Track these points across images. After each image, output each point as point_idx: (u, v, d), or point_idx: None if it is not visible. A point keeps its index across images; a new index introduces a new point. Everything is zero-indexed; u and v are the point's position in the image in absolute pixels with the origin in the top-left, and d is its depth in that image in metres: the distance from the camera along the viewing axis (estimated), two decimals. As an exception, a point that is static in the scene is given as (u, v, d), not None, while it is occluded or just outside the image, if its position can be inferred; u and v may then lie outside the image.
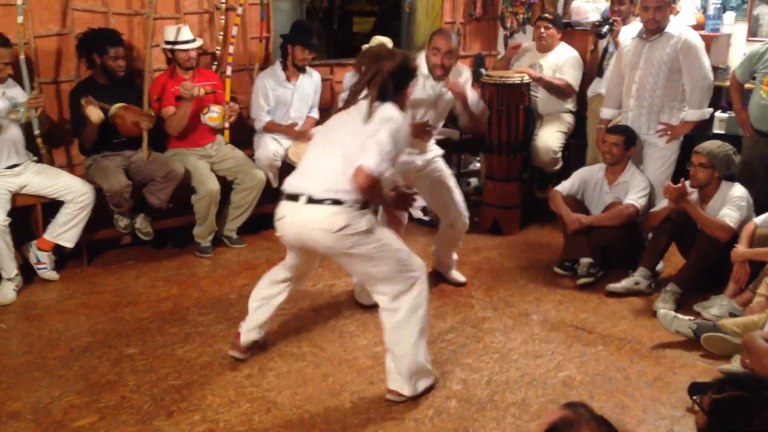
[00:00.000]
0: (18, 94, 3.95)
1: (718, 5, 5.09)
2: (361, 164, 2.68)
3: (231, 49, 4.72)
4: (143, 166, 4.30)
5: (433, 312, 3.79)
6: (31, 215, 4.15)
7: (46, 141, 4.19)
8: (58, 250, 4.15)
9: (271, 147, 4.72)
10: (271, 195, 4.76)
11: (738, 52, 4.99)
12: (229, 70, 4.69)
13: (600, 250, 4.22)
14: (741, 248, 3.65)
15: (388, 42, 5.00)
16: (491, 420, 2.82)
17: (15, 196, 3.96)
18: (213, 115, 4.47)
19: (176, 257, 4.52)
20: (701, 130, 4.56)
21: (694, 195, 3.97)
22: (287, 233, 2.88)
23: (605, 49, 4.95)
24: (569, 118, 5.26)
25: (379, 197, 2.86)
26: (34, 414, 2.82)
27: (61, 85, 4.36)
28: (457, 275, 4.17)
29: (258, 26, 4.98)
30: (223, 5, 4.76)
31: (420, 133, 3.67)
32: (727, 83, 4.74)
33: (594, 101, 5.07)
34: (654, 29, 4.18)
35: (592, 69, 5.14)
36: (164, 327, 3.57)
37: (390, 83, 2.84)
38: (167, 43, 4.43)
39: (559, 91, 5.12)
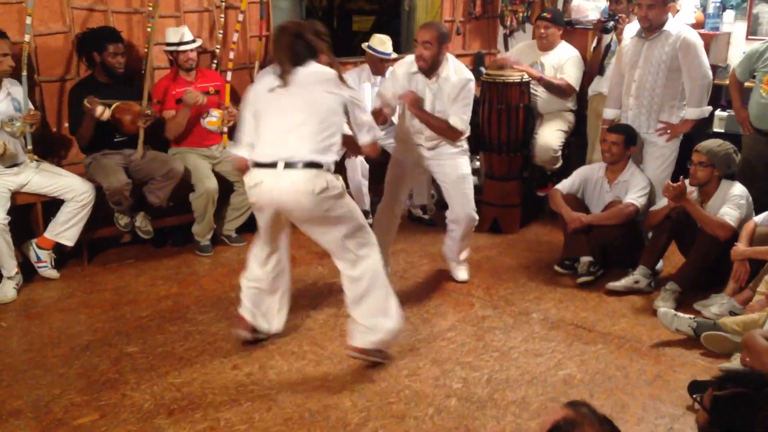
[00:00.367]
0: (19, 93, 3.95)
1: (718, 4, 5.09)
2: (373, 139, 3.15)
3: (231, 54, 4.72)
4: (143, 164, 4.30)
5: (434, 310, 3.80)
6: (32, 214, 4.15)
7: (41, 152, 4.17)
8: (58, 248, 4.15)
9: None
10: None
11: (738, 50, 4.99)
12: (229, 75, 4.69)
13: (600, 248, 4.22)
14: (741, 247, 3.65)
15: (387, 40, 5.00)
16: (491, 418, 2.82)
17: (15, 194, 3.95)
18: (212, 119, 4.52)
19: (176, 256, 4.52)
20: (701, 128, 4.56)
21: (694, 194, 3.97)
22: (263, 198, 3.03)
23: (607, 47, 4.94)
24: (569, 117, 5.25)
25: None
26: (34, 412, 2.82)
27: (62, 83, 4.35)
28: (458, 271, 4.18)
29: (258, 25, 4.98)
30: (223, 4, 4.76)
31: (409, 100, 3.79)
32: (727, 82, 4.73)
33: (595, 100, 5.07)
34: (647, 27, 4.19)
35: (593, 67, 5.13)
36: (164, 325, 3.58)
37: (299, 47, 3.03)
38: (168, 45, 4.44)
39: (559, 90, 5.12)
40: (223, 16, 4.77)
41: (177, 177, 4.29)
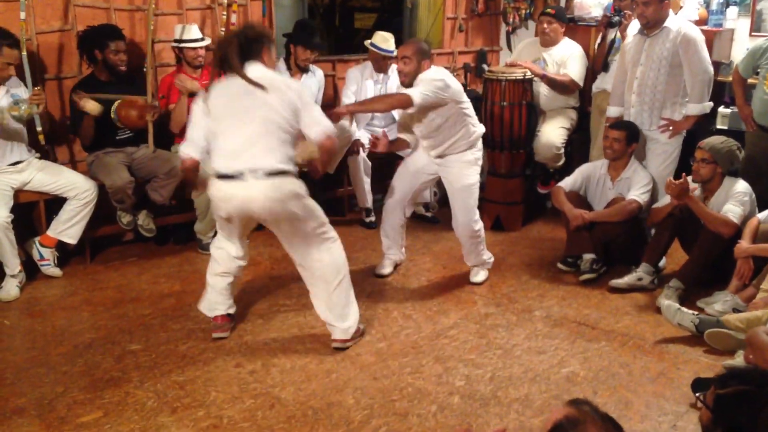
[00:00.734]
0: (21, 92, 3.95)
1: (721, 0, 5.08)
2: (325, 133, 3.08)
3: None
4: (146, 162, 4.30)
5: (437, 308, 3.80)
6: (34, 212, 4.16)
7: (49, 138, 4.19)
8: (60, 246, 4.15)
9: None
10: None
11: (741, 47, 4.96)
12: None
13: (603, 246, 4.22)
14: (744, 244, 3.65)
15: (389, 38, 4.99)
16: (494, 416, 2.82)
17: (18, 192, 3.96)
18: None
19: (178, 254, 4.52)
20: (704, 125, 4.55)
21: (697, 191, 3.96)
22: (235, 211, 3.11)
23: (612, 43, 4.93)
24: (572, 114, 5.25)
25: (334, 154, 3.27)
26: (38, 410, 2.82)
27: (64, 81, 4.36)
28: (473, 275, 4.14)
29: (260, 23, 4.97)
30: (225, 1, 4.76)
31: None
32: (730, 78, 4.72)
33: (598, 97, 5.06)
34: (644, 24, 4.19)
35: (596, 64, 5.12)
36: (167, 323, 3.58)
37: (243, 49, 3.05)
38: (175, 41, 4.44)
39: (563, 87, 5.11)
40: (225, 13, 4.77)
41: (179, 175, 4.28)
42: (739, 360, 3.07)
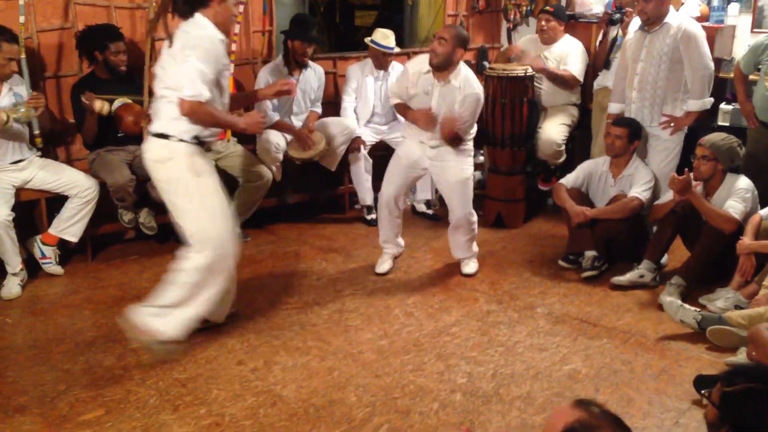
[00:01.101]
0: (23, 90, 3.95)
1: (723, -4, 5.08)
2: (180, 96, 2.92)
3: (234, 46, 4.71)
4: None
5: (438, 305, 3.79)
6: (36, 210, 4.16)
7: (48, 140, 4.17)
8: (62, 244, 4.15)
9: (273, 140, 4.72)
10: (275, 189, 4.77)
11: (742, 43, 4.96)
12: (231, 68, 4.67)
13: (604, 243, 4.21)
14: (746, 240, 3.64)
15: (390, 35, 4.99)
16: (496, 413, 2.82)
17: (19, 190, 3.96)
18: None
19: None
20: (705, 121, 4.54)
21: (698, 187, 3.96)
22: None
23: (613, 41, 4.92)
24: (573, 111, 5.24)
25: (218, 122, 3.11)
26: (40, 408, 2.82)
27: (64, 79, 4.35)
28: (465, 266, 4.19)
29: (261, 20, 4.97)
30: None
31: (422, 120, 3.80)
32: (732, 75, 4.71)
33: (600, 94, 5.05)
34: (644, 20, 4.18)
35: (597, 61, 5.12)
36: (169, 321, 3.57)
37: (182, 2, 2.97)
38: None
39: (564, 82, 5.11)
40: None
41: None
42: (741, 357, 3.07)
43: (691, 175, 3.85)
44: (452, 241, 4.17)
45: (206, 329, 3.38)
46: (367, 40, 5.06)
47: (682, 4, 4.95)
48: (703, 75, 4.16)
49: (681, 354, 3.28)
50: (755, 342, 2.82)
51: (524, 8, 6.03)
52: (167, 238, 4.66)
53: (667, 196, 4.07)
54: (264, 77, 4.74)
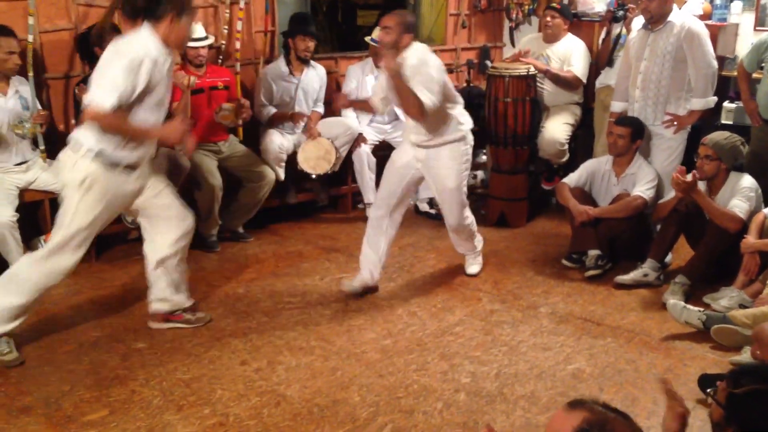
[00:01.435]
0: (27, 91, 3.95)
1: (726, -6, 5.07)
2: (85, 102, 2.86)
3: (237, 45, 4.71)
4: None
5: (441, 305, 3.79)
6: (39, 211, 4.16)
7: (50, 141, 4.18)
8: (65, 245, 4.15)
9: (276, 140, 4.73)
10: (277, 188, 4.77)
11: (745, 41, 4.95)
12: (238, 66, 4.69)
13: (608, 242, 4.21)
14: (751, 239, 3.63)
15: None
16: (500, 413, 2.82)
17: (23, 192, 3.97)
18: (225, 113, 4.46)
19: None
20: (709, 120, 4.53)
21: (702, 186, 3.95)
22: None
23: (617, 39, 4.91)
24: (576, 110, 5.24)
25: (125, 131, 2.97)
26: (44, 408, 2.83)
27: (68, 81, 4.35)
28: (468, 265, 4.18)
29: (263, 20, 4.97)
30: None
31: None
32: (735, 73, 4.71)
33: (602, 92, 5.05)
34: (648, 19, 4.18)
35: (600, 60, 5.11)
36: (172, 321, 3.58)
37: (131, 5, 2.95)
38: None
39: (566, 83, 5.10)
40: (228, 11, 4.76)
41: (183, 173, 4.28)
42: (745, 356, 3.07)
43: (697, 175, 3.84)
44: (453, 239, 4.16)
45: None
46: (367, 38, 5.06)
47: (685, 2, 4.94)
48: (706, 73, 4.15)
49: (685, 353, 3.28)
50: (760, 341, 2.82)
51: (526, 7, 6.02)
52: (170, 239, 4.66)
53: (671, 194, 4.06)
54: (265, 78, 4.78)
